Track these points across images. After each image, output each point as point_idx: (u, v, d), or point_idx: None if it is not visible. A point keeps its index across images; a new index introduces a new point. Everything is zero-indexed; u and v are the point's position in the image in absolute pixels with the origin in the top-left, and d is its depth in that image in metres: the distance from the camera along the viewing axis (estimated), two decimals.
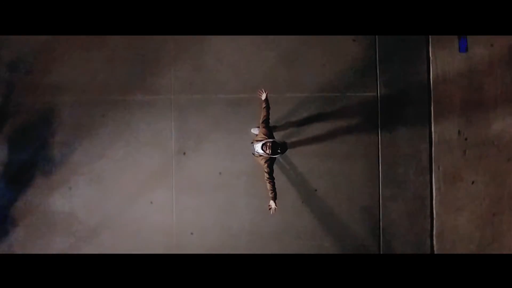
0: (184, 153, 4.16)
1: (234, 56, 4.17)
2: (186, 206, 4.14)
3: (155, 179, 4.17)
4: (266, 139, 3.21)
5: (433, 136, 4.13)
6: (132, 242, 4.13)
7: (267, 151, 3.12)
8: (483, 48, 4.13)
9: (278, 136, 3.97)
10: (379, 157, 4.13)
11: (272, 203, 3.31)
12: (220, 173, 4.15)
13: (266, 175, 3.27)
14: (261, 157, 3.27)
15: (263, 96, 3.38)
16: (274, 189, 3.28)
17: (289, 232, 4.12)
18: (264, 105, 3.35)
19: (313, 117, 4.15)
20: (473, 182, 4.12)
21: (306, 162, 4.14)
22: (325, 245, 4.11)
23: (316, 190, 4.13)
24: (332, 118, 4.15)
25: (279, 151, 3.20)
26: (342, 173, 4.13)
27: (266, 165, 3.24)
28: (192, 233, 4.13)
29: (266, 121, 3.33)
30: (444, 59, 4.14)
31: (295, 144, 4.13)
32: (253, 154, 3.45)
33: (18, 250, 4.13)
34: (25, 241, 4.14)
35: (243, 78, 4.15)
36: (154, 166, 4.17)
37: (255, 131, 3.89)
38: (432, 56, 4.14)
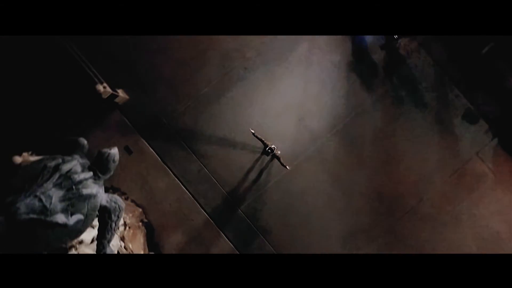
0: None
1: None
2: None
3: None
4: (275, 147, 4.89)
5: None
6: None
7: (268, 143, 4.84)
8: None
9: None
10: None
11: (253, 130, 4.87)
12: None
13: (263, 143, 4.94)
14: (270, 143, 4.92)
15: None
16: (258, 137, 4.84)
17: None
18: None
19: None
20: None
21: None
22: None
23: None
24: None
25: (266, 150, 4.86)
26: None
27: (266, 144, 4.78)
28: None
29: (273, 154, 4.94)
30: None
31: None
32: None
33: None
34: None
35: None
36: None
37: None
38: None
